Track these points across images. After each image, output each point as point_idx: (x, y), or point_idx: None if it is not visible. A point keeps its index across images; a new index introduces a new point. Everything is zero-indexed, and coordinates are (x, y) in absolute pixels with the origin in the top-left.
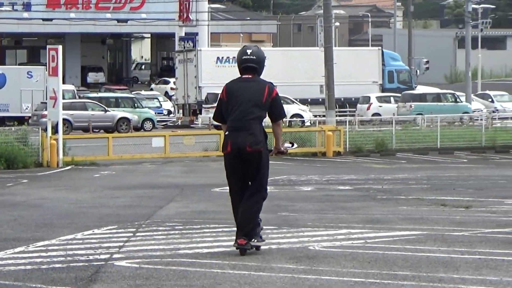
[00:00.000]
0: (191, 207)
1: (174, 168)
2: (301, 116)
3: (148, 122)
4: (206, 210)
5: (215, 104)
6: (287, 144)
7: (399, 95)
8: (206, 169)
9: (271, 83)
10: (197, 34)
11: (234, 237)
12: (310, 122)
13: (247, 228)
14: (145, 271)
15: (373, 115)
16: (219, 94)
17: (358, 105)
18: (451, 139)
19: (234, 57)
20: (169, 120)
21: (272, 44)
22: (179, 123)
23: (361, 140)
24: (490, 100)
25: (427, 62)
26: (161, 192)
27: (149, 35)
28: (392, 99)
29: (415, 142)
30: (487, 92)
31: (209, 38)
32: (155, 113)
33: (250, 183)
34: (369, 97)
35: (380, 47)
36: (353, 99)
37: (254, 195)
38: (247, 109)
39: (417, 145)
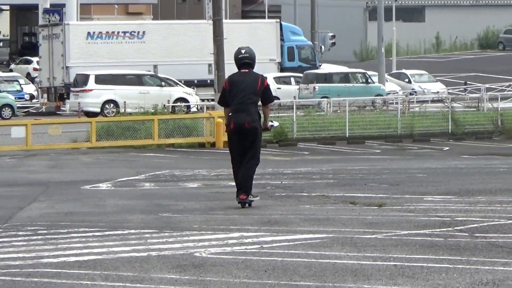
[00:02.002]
0: (57, 207)
1: (37, 162)
2: (186, 101)
3: (6, 108)
4: (74, 211)
5: (85, 88)
6: (270, 123)
7: (301, 75)
8: (75, 164)
9: (262, 75)
10: (64, 5)
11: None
12: (197, 108)
13: (246, 186)
14: (1, 283)
15: None
16: (223, 85)
17: None
18: (362, 126)
19: (107, 32)
20: (32, 106)
21: (152, 17)
22: (43, 110)
23: None
24: (406, 80)
25: (333, 36)
26: (22, 191)
27: (7, 7)
28: (292, 79)
29: (319, 130)
30: (404, 71)
31: (78, 10)
32: (15, 98)
33: (247, 153)
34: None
35: (278, 20)
36: None
37: (250, 161)
38: (246, 95)
39: (322, 133)
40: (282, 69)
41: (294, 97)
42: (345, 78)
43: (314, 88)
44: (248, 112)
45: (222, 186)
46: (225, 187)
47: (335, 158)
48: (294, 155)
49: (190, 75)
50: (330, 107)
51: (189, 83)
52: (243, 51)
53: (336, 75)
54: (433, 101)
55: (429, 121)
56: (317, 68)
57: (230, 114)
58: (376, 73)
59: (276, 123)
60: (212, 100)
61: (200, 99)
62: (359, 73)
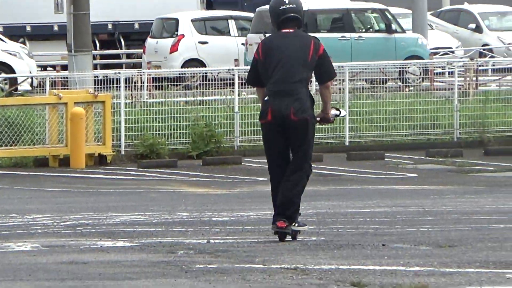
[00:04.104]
0: None
1: None
2: (9, 68)
3: None
4: None
5: None
6: (333, 111)
7: (251, 15)
8: None
9: (316, 37)
10: None
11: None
12: (32, 83)
13: (289, 211)
14: None
15: (188, 62)
16: (254, 53)
17: (149, 41)
18: (379, 124)
19: None
20: None
21: None
22: None
23: (157, 127)
24: (473, 26)
25: None
26: None
27: None
28: (231, 25)
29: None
30: (467, 7)
31: None
32: None
33: (292, 157)
34: (177, 21)
35: None
36: (136, 25)
37: (297, 172)
38: (291, 69)
39: None
40: (210, 1)
41: (236, 61)
42: (343, 21)
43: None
44: (294, 95)
45: (86, 250)
46: (92, 250)
47: (322, 190)
48: (236, 183)
49: (16, 15)
50: (310, 83)
51: (14, 32)
52: (286, 0)
53: (324, 16)
54: None
55: None
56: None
57: (266, 98)
58: (409, 11)
59: (343, 112)
60: (64, 67)
61: (39, 66)
62: (373, 10)
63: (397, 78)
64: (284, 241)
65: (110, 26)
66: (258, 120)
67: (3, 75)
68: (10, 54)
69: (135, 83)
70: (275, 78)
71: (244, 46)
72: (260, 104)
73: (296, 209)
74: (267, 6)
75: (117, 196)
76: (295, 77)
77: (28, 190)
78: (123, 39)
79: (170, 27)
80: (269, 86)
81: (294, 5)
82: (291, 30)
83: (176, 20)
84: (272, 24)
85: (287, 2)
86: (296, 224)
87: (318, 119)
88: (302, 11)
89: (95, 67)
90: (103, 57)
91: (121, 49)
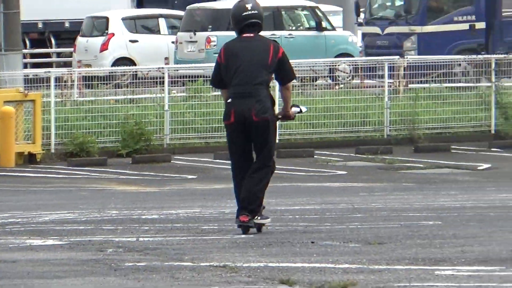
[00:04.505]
0: None
1: None
2: None
3: None
4: None
5: None
6: (294, 108)
7: (181, 13)
8: None
9: (275, 41)
10: None
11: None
12: None
13: (252, 205)
14: None
15: (119, 61)
16: (217, 57)
17: (80, 39)
18: (308, 121)
19: None
20: None
21: None
22: None
23: (87, 125)
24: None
25: None
26: None
27: None
28: (162, 23)
29: (218, 131)
30: None
31: None
32: None
33: (255, 155)
34: (107, 20)
35: None
36: (66, 24)
37: (261, 169)
38: (252, 72)
39: (224, 136)
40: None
41: (167, 59)
42: (273, 19)
43: (209, 40)
44: (256, 97)
45: (15, 248)
46: (20, 249)
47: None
48: (165, 181)
49: None
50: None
51: None
52: (249, 6)
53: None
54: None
55: (453, 109)
56: None
57: (228, 100)
58: (340, 9)
59: (304, 108)
60: None
61: None
62: (304, 8)
63: (327, 76)
64: (247, 233)
65: (40, 25)
66: (187, 118)
67: None
68: None
69: (65, 81)
70: (237, 81)
71: (174, 45)
72: (225, 105)
73: (259, 204)
74: (197, 4)
75: (47, 195)
76: (256, 80)
77: None
78: (54, 38)
79: (100, 25)
80: (231, 88)
81: (256, 11)
82: (252, 35)
83: (107, 19)
84: (233, 28)
85: (249, 8)
86: (259, 218)
87: (279, 116)
88: (263, 16)
89: (25, 66)
90: (33, 56)
91: (52, 48)
